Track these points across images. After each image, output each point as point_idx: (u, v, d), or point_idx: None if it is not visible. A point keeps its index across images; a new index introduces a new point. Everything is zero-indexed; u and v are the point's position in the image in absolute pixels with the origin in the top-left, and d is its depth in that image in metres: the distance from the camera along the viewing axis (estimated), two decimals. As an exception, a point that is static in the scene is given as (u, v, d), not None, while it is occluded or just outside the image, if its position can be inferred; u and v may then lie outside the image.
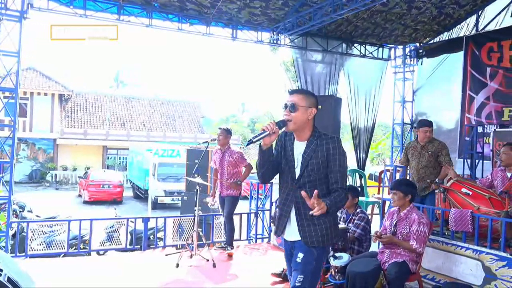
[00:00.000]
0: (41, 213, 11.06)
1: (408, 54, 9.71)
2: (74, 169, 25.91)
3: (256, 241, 7.11)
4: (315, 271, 2.64)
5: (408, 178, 5.75)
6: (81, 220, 6.30)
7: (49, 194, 21.05)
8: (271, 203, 7.02)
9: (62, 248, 6.43)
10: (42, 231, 7.00)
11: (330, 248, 4.08)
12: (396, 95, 10.06)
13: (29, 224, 6.31)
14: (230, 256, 5.87)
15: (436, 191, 5.00)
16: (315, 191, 2.40)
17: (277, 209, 2.86)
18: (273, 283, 4.86)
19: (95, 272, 5.27)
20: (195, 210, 5.68)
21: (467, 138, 7.44)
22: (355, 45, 9.35)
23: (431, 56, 9.31)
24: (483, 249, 4.16)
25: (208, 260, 5.48)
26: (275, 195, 5.21)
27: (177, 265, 5.34)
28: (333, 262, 3.98)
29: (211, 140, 6.12)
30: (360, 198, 6.20)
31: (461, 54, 8.09)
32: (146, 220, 6.49)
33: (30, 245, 6.16)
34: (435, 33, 9.03)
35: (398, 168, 5.90)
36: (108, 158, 28.13)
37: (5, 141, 6.00)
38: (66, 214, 10.72)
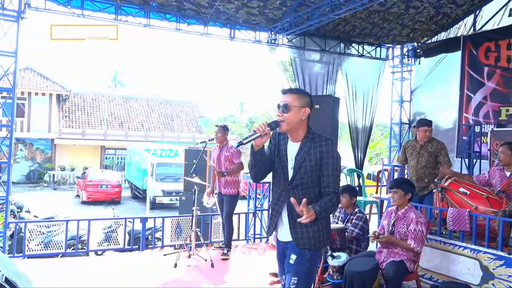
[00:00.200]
0: (39, 213, 11.05)
1: (406, 53, 9.73)
2: (72, 169, 25.87)
3: (254, 241, 7.12)
4: (309, 272, 2.62)
5: (405, 177, 5.75)
6: (79, 220, 6.29)
7: (47, 194, 21.01)
8: (269, 203, 7.02)
9: (60, 249, 6.41)
10: (40, 231, 6.99)
11: (328, 247, 4.09)
12: (394, 94, 10.08)
13: (27, 224, 6.30)
14: (225, 260, 5.84)
15: (434, 190, 5.00)
16: (304, 199, 2.37)
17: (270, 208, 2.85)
18: (271, 282, 4.86)
19: (93, 272, 5.26)
20: (193, 210, 5.68)
21: (464, 138, 7.45)
22: (353, 44, 9.36)
23: (428, 56, 9.32)
24: (481, 248, 4.17)
25: (206, 260, 5.48)
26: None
27: (175, 265, 5.33)
28: (331, 262, 3.99)
29: (209, 140, 6.12)
30: (358, 198, 6.20)
31: (458, 54, 8.10)
32: (144, 220, 6.48)
33: (28, 245, 6.14)
34: (433, 32, 9.04)
35: (396, 168, 5.91)
36: (106, 158, 28.08)
37: (2, 141, 5.98)
38: (64, 215, 10.71)
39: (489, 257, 4.08)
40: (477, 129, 7.32)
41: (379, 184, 8.62)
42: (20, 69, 22.65)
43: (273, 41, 8.57)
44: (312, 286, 4.03)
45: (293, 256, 2.60)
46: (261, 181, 3.03)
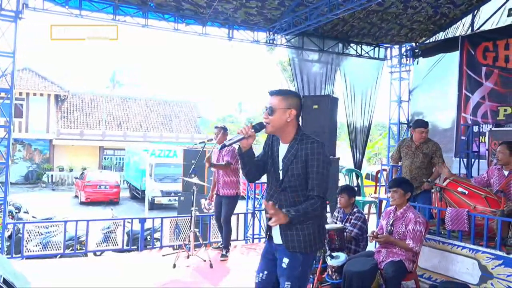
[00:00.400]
0: (37, 214, 11.04)
1: (404, 53, 9.75)
2: (71, 170, 25.82)
3: (253, 241, 7.11)
4: (302, 276, 2.57)
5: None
6: (77, 221, 6.28)
7: (45, 195, 20.98)
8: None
9: (59, 249, 6.41)
10: (38, 232, 6.99)
11: (327, 247, 4.09)
12: (392, 94, 10.09)
13: (25, 225, 6.29)
14: (224, 260, 5.82)
15: (433, 190, 5.01)
16: (270, 202, 2.38)
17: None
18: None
19: (91, 273, 5.25)
20: (192, 211, 5.67)
21: (463, 138, 7.47)
22: (351, 45, 9.38)
23: (427, 56, 9.34)
24: (479, 248, 4.17)
25: (205, 261, 5.47)
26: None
27: (174, 266, 5.33)
28: (330, 262, 3.98)
29: (208, 140, 6.11)
30: (357, 198, 6.20)
31: (456, 54, 8.12)
32: (142, 220, 6.47)
33: (26, 246, 6.14)
34: (431, 32, 9.06)
35: (394, 168, 5.91)
36: (104, 158, 28.05)
37: (0, 142, 5.97)
38: (63, 215, 10.71)
39: (487, 257, 4.08)
40: (475, 129, 7.33)
41: (378, 184, 8.63)
42: (18, 70, 22.60)
43: (271, 41, 8.57)
44: (312, 286, 4.05)
45: (286, 260, 2.55)
46: (257, 181, 3.00)
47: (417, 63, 9.63)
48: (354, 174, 8.91)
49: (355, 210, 4.82)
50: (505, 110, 7.20)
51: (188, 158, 8.74)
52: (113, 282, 4.89)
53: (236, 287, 4.86)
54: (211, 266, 5.37)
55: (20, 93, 24.66)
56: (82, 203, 18.81)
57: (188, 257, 5.63)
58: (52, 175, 25.43)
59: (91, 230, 6.41)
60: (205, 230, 6.74)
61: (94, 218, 7.71)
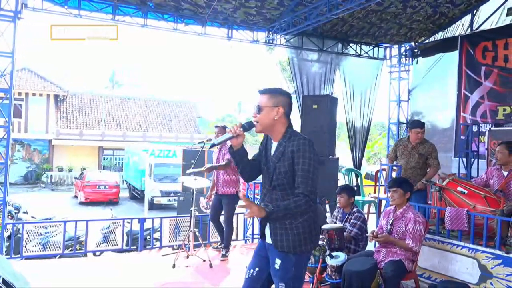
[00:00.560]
0: (37, 214, 11.04)
1: (404, 53, 9.75)
2: (70, 170, 25.81)
3: (252, 241, 7.10)
4: (296, 277, 2.54)
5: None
6: (77, 221, 6.28)
7: (44, 195, 20.97)
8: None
9: (58, 250, 6.40)
10: (37, 232, 6.98)
11: (327, 247, 4.09)
12: (392, 94, 10.10)
13: (24, 225, 6.28)
14: (224, 260, 5.82)
15: (432, 190, 5.01)
16: (241, 193, 2.42)
17: None
18: (269, 282, 4.85)
19: (91, 273, 5.24)
20: (191, 210, 5.66)
21: (462, 137, 7.46)
22: (351, 44, 9.38)
23: (426, 56, 9.35)
24: (479, 247, 4.17)
25: (204, 261, 5.47)
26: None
27: (174, 266, 5.32)
28: (329, 261, 3.98)
29: (207, 140, 6.10)
30: (356, 198, 6.20)
31: (456, 54, 8.12)
32: (142, 220, 6.47)
33: (25, 246, 6.13)
34: (430, 32, 9.06)
35: (394, 168, 5.91)
36: (104, 158, 28.03)
37: (-1, 142, 5.97)
38: (62, 215, 10.72)
39: (487, 256, 4.08)
40: (475, 128, 7.32)
41: (377, 183, 8.61)
42: (17, 70, 22.59)
43: (271, 41, 8.57)
44: (311, 286, 4.05)
45: (278, 261, 2.53)
46: (257, 181, 3.00)
47: (417, 63, 9.64)
48: (353, 173, 8.91)
49: (354, 209, 4.82)
50: (504, 110, 7.21)
51: (187, 158, 8.74)
52: (112, 282, 4.88)
53: (236, 287, 4.86)
54: (210, 266, 5.37)
55: (19, 93, 24.64)
56: (81, 203, 18.81)
57: (187, 257, 5.62)
58: (51, 175, 25.43)
59: (91, 230, 6.40)
60: (205, 230, 6.74)
61: (94, 218, 7.70)
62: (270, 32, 8.27)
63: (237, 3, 7.32)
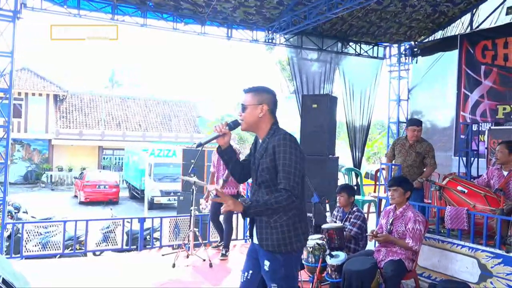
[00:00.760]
0: (37, 214, 11.04)
1: (403, 52, 9.75)
2: (70, 170, 25.81)
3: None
4: (287, 277, 2.50)
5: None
6: (76, 221, 6.28)
7: (44, 195, 20.96)
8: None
9: (58, 249, 6.40)
10: (37, 232, 6.98)
11: (327, 246, 4.08)
12: (392, 93, 10.10)
13: (24, 225, 6.27)
14: (224, 260, 5.81)
15: (432, 189, 5.01)
16: (214, 187, 2.41)
17: None
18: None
19: (91, 273, 5.25)
20: (191, 210, 5.66)
21: (462, 136, 7.47)
22: (350, 44, 9.38)
23: (426, 55, 9.35)
24: (479, 246, 4.17)
25: (204, 260, 5.47)
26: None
27: (174, 265, 5.32)
28: (329, 261, 3.98)
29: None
30: (356, 197, 6.20)
31: (455, 52, 8.12)
32: (142, 220, 6.47)
33: (25, 246, 6.13)
34: (430, 31, 9.06)
35: (393, 167, 5.91)
36: (103, 158, 28.03)
37: (-1, 142, 5.97)
38: (62, 215, 10.72)
39: (487, 255, 4.08)
40: (475, 127, 7.33)
41: (377, 183, 8.62)
42: (17, 70, 22.59)
43: (270, 41, 8.57)
44: (311, 285, 4.05)
45: (267, 263, 2.50)
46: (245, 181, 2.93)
47: (416, 62, 9.63)
48: (353, 173, 8.91)
49: (354, 209, 4.82)
50: (504, 109, 7.20)
51: (187, 157, 8.75)
52: (112, 282, 4.89)
53: (236, 287, 4.85)
54: (210, 265, 5.37)
55: (19, 93, 24.63)
56: (81, 203, 18.80)
57: (187, 256, 5.63)
58: (51, 175, 25.42)
59: (91, 230, 6.40)
60: (205, 230, 6.74)
61: (94, 218, 7.69)
62: (270, 32, 8.26)
63: (236, 3, 7.31)
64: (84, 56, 70.51)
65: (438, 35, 9.02)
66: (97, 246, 7.16)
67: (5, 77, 5.96)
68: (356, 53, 9.43)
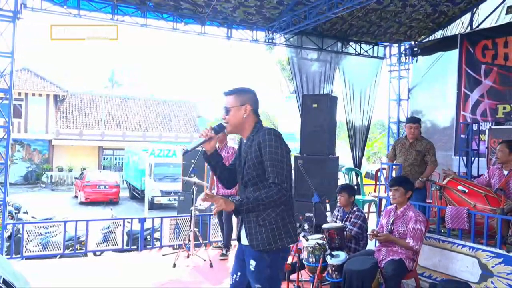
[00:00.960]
0: (37, 214, 11.02)
1: (403, 52, 9.74)
2: (70, 170, 25.81)
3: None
4: (272, 277, 2.48)
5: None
6: (77, 221, 6.29)
7: (44, 195, 20.96)
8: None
9: (58, 250, 6.40)
10: (38, 232, 6.97)
11: (327, 246, 4.08)
12: (392, 93, 10.09)
13: (24, 225, 6.27)
14: (224, 260, 5.81)
15: (432, 188, 5.01)
16: (204, 193, 2.42)
17: None
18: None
19: (91, 273, 5.25)
20: (191, 210, 5.66)
21: (462, 136, 7.47)
22: (350, 43, 9.37)
23: (426, 54, 9.34)
24: (480, 246, 4.17)
25: (205, 260, 5.47)
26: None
27: (174, 265, 5.33)
28: (330, 261, 3.98)
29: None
30: (357, 197, 6.20)
31: (456, 52, 8.11)
32: (142, 220, 6.47)
33: (26, 246, 6.13)
34: (430, 31, 9.05)
35: (394, 166, 5.91)
36: (104, 158, 28.03)
37: (-1, 142, 5.97)
38: (62, 215, 10.69)
39: (487, 255, 4.08)
40: (475, 127, 7.32)
41: (378, 182, 8.62)
42: (17, 70, 22.58)
43: (270, 40, 8.57)
44: (312, 285, 4.04)
45: (253, 263, 2.48)
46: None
47: (416, 62, 9.63)
48: (353, 173, 8.91)
49: (355, 209, 4.82)
50: (504, 108, 7.20)
51: (187, 157, 8.72)
52: (113, 282, 4.89)
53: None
54: (211, 265, 5.38)
55: (19, 94, 24.63)
56: (81, 203, 18.80)
57: (188, 256, 5.63)
58: (51, 175, 25.42)
59: (91, 230, 6.40)
60: (205, 230, 6.74)
61: (94, 218, 7.69)
62: (270, 31, 8.25)
63: (236, 2, 7.31)
64: (84, 56, 70.57)
65: (438, 34, 9.02)
66: (97, 246, 7.15)
67: (5, 78, 5.96)
68: (356, 52, 9.43)
